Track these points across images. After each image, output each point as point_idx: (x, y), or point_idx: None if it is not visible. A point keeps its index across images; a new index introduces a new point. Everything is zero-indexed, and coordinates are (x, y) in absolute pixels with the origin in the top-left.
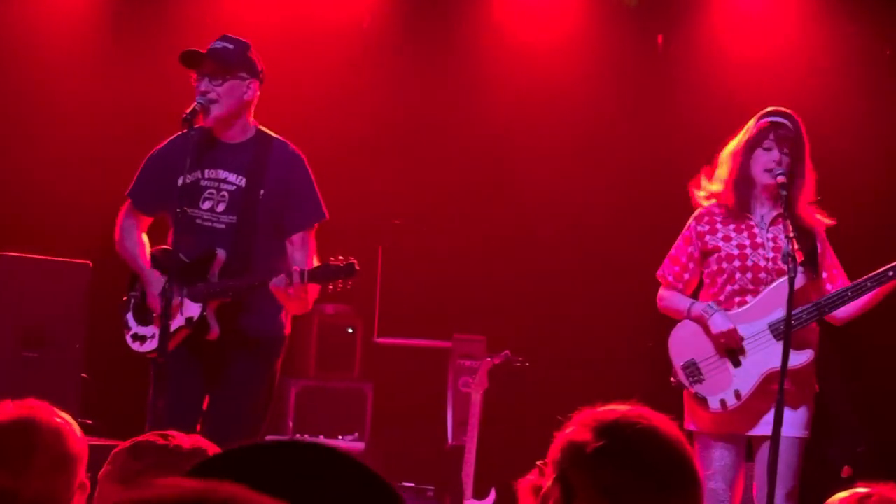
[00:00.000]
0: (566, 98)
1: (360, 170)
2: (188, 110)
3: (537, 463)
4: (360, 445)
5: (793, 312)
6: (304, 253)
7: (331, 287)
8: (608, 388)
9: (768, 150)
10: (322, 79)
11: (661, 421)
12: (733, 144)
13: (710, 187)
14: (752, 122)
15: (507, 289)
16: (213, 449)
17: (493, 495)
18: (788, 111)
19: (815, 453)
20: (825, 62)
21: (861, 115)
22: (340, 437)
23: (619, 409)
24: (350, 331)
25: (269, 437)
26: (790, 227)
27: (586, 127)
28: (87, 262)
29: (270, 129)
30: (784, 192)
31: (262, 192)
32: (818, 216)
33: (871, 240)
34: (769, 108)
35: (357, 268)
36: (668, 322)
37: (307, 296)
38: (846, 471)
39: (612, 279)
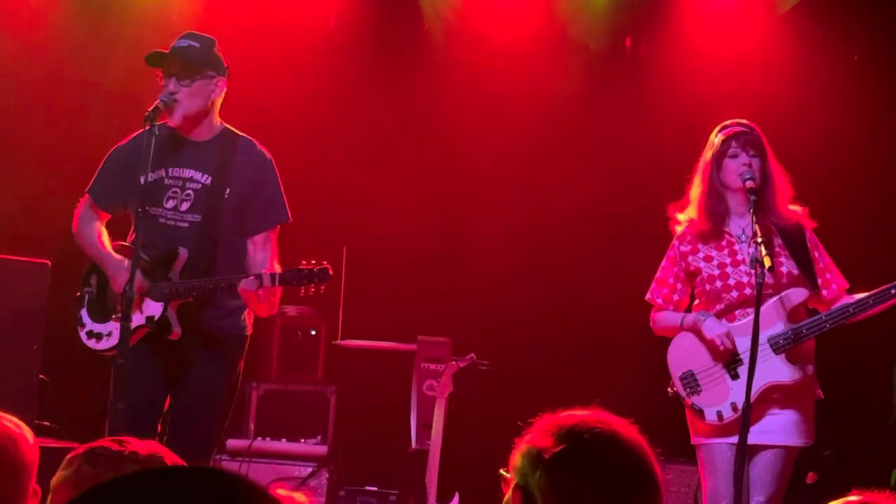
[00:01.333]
0: (535, 101)
1: (326, 169)
2: (150, 109)
3: (500, 471)
4: (323, 449)
5: (795, 326)
6: (265, 254)
7: (302, 291)
8: (574, 391)
9: (735, 156)
10: (288, 79)
11: (620, 425)
12: (700, 164)
13: (687, 214)
14: (712, 138)
15: (472, 291)
16: (169, 456)
17: (456, 499)
18: (744, 120)
19: None
20: (793, 66)
21: (829, 118)
22: (303, 440)
23: (579, 413)
24: (313, 333)
25: (230, 441)
26: (759, 232)
27: (554, 130)
28: (46, 261)
29: (236, 128)
30: (753, 198)
31: (227, 190)
32: (801, 214)
33: (838, 241)
34: (725, 122)
35: (331, 273)
36: (634, 323)
37: (276, 298)
38: (811, 476)
39: (578, 282)
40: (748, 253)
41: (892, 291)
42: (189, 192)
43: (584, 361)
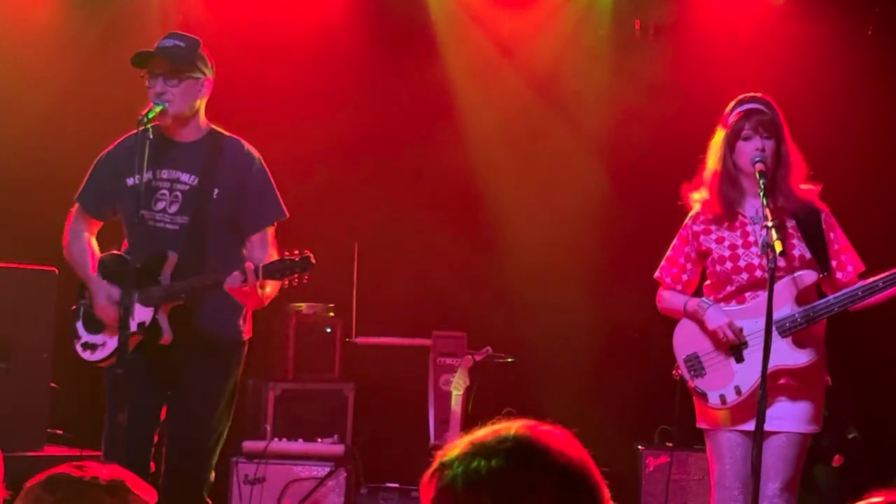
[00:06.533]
0: (544, 91)
1: (336, 166)
2: (144, 112)
3: None
4: (340, 448)
5: (803, 309)
6: (264, 252)
7: (286, 282)
8: (591, 381)
9: (748, 139)
10: (296, 76)
11: (528, 432)
12: (713, 143)
13: (701, 194)
14: (727, 112)
15: (487, 283)
16: (132, 480)
17: None
18: (760, 95)
19: None
20: (806, 44)
21: (844, 95)
22: (319, 440)
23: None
24: (328, 330)
25: (247, 442)
26: (769, 216)
27: (565, 121)
28: (54, 268)
29: (247, 127)
30: (762, 181)
31: (216, 191)
32: (815, 194)
33: (851, 223)
34: (740, 97)
35: (313, 261)
36: (651, 314)
37: (264, 292)
38: (837, 460)
39: (595, 271)
40: (761, 235)
41: (880, 284)
42: (177, 193)
43: (603, 351)
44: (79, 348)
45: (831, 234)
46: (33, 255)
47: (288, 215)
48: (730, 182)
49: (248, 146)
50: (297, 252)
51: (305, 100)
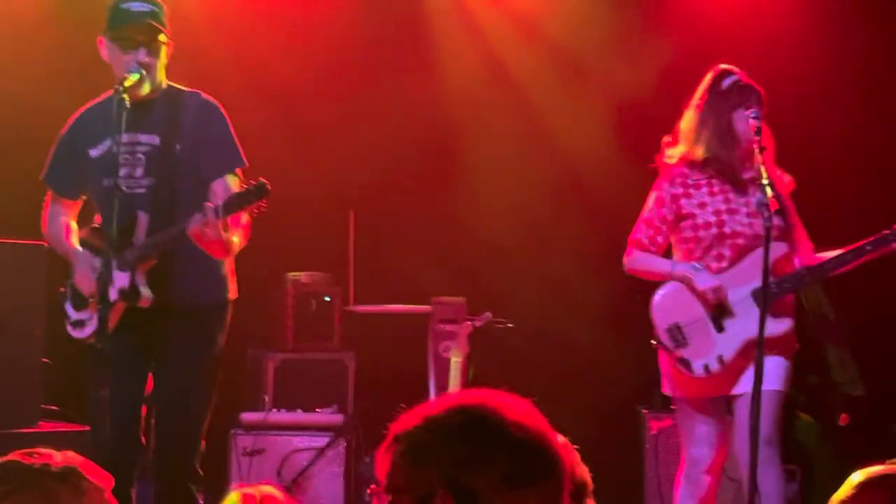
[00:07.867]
0: (540, 50)
1: (329, 134)
2: (124, 79)
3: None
4: (339, 418)
5: (778, 279)
6: None
7: (246, 215)
8: (593, 345)
9: (748, 109)
10: (286, 42)
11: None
12: (705, 103)
13: (678, 151)
14: (715, 80)
15: (486, 248)
16: (85, 466)
17: None
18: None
19: (814, 402)
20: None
21: (836, 49)
22: (318, 410)
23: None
24: (327, 299)
25: (245, 414)
26: (765, 175)
27: (563, 78)
28: (43, 243)
29: (238, 94)
30: (759, 137)
31: (178, 147)
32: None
33: (850, 197)
34: (729, 67)
35: (269, 187)
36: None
37: (229, 237)
38: (844, 418)
39: (595, 235)
40: (741, 203)
41: (867, 248)
42: (140, 156)
43: (604, 316)
44: (69, 328)
45: (793, 212)
46: (22, 231)
47: (247, 165)
48: (726, 143)
49: (206, 96)
50: (252, 181)
51: (297, 66)
